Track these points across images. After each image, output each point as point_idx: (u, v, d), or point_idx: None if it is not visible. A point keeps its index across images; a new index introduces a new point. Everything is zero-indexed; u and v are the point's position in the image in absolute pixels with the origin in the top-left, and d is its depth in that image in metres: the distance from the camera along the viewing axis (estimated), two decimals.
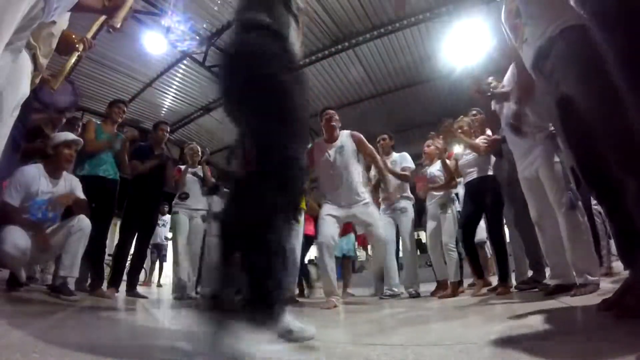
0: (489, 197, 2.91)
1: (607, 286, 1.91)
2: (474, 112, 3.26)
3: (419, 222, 3.74)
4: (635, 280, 1.11)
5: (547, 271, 2.76)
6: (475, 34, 5.66)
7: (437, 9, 5.70)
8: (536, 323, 1.28)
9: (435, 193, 3.44)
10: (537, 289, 2.61)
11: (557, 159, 2.11)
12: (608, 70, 1.09)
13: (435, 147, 3.47)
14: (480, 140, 3.02)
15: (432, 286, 3.65)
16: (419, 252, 4.29)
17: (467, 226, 3.04)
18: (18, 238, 2.18)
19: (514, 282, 2.96)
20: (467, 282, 3.90)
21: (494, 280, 3.31)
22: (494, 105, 2.62)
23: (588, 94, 1.21)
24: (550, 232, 2.17)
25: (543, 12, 1.40)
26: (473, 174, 3.05)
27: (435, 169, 3.51)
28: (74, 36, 1.49)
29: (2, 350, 0.90)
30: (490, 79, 2.66)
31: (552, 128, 2.08)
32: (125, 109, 3.58)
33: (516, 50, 1.66)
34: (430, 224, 3.49)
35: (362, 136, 3.08)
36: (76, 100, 2.11)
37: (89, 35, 1.54)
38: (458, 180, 3.53)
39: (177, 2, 5.45)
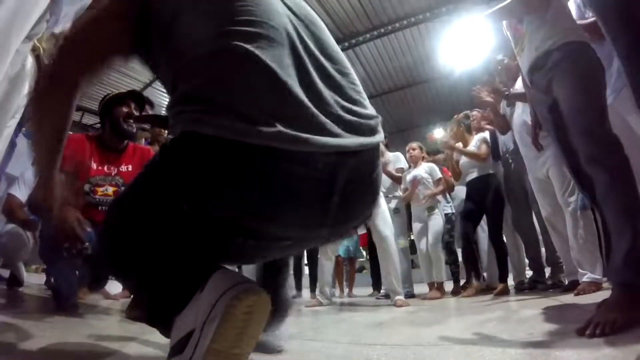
0: (489, 196, 2.88)
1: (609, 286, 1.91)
2: (473, 113, 3.23)
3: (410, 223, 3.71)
4: (612, 297, 1.04)
5: (547, 271, 2.77)
6: (475, 34, 5.65)
7: (437, 9, 5.71)
8: (536, 323, 1.28)
9: (424, 196, 3.35)
10: (539, 289, 2.61)
11: None
12: (600, 84, 1.23)
13: (419, 150, 3.49)
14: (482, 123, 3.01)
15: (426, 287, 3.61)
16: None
17: (465, 226, 3.00)
18: (18, 237, 2.19)
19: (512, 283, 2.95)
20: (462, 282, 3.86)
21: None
22: (503, 109, 2.60)
23: (573, 99, 1.24)
24: (563, 231, 2.19)
25: (544, 25, 1.40)
26: (474, 173, 3.03)
27: (420, 171, 3.46)
28: None
29: (3, 350, 0.90)
30: (499, 80, 2.61)
31: None
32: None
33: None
34: (416, 226, 3.45)
35: None
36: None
37: None
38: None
39: None
